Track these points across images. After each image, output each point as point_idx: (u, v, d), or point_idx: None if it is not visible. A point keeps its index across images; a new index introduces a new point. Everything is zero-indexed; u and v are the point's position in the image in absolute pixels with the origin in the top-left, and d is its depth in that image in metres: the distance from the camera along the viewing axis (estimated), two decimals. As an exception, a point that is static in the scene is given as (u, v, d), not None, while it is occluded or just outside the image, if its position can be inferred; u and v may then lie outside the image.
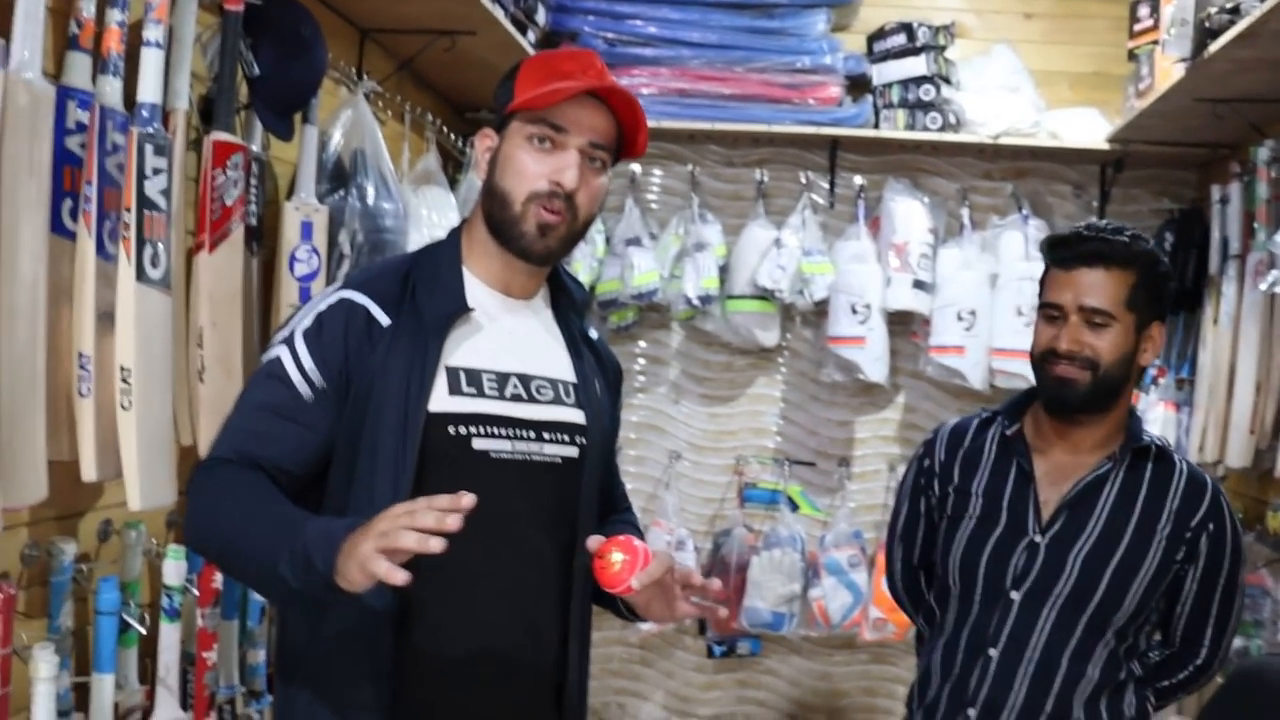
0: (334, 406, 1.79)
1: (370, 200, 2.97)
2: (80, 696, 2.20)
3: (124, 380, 2.07)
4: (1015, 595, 2.21)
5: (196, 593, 2.40)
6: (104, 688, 2.19)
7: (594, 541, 1.79)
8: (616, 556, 1.75)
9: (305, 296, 2.79)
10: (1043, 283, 2.29)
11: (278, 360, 1.80)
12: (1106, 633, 2.20)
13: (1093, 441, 2.25)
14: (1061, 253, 2.23)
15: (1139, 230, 2.29)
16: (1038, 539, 2.21)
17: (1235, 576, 2.25)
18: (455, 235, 1.95)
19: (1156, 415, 4.21)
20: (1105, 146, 4.41)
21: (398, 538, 1.52)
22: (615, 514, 2.13)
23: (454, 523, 1.54)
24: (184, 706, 2.39)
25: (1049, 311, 2.23)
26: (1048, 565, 2.20)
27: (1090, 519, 2.20)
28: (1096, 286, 2.17)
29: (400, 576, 1.52)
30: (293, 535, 1.63)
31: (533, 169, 1.82)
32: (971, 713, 2.24)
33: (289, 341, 1.81)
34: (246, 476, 1.74)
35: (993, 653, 2.22)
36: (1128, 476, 2.23)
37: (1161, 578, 2.20)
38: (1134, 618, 2.21)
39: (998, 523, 2.25)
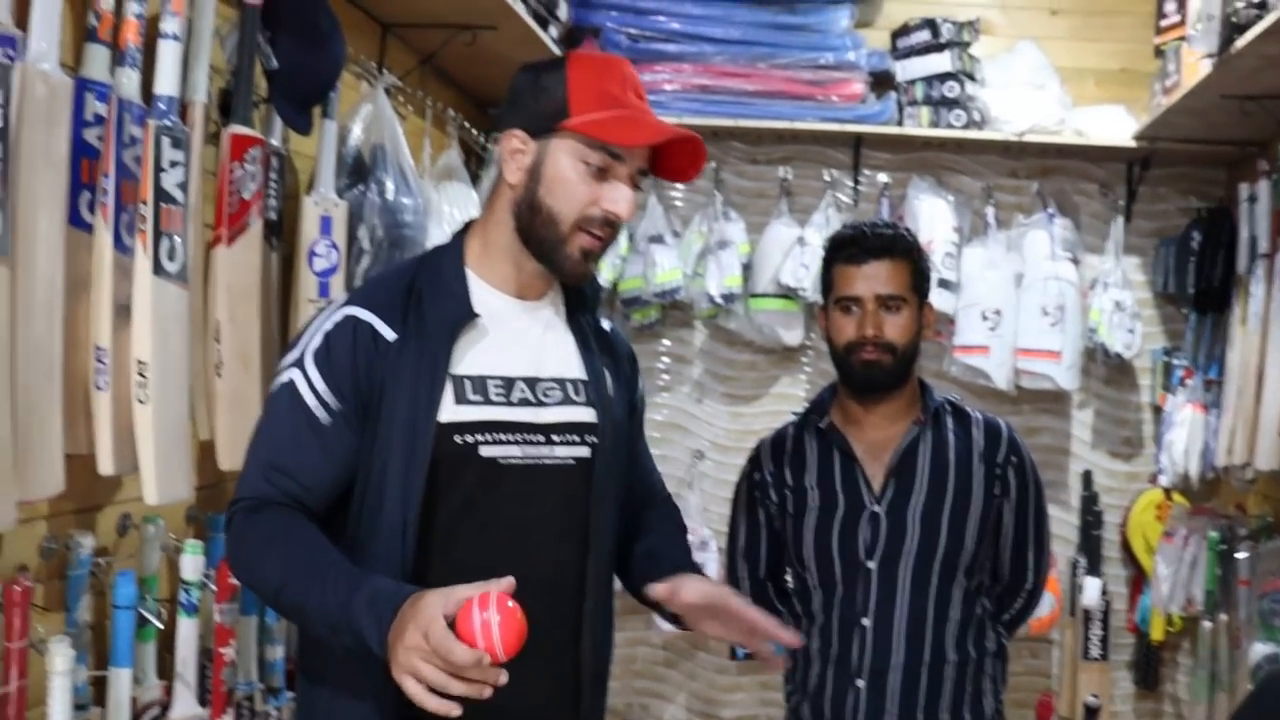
0: (353, 426, 1.78)
1: (390, 195, 2.96)
2: (98, 690, 2.19)
3: (141, 374, 2.06)
4: (871, 564, 2.39)
5: (214, 588, 2.39)
6: (121, 682, 2.19)
7: None
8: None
9: (324, 292, 2.78)
10: (830, 280, 2.46)
11: (291, 385, 1.79)
12: (957, 574, 2.41)
13: (896, 413, 2.45)
14: (851, 250, 2.42)
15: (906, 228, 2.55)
16: (876, 509, 2.41)
17: (1041, 500, 2.53)
18: (459, 238, 1.93)
19: (1184, 417, 4.18)
20: (1132, 144, 4.37)
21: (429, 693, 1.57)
22: (653, 507, 2.12)
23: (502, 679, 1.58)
24: (202, 702, 2.39)
25: (846, 305, 2.41)
26: (892, 529, 2.40)
27: (915, 479, 2.41)
28: (887, 275, 2.39)
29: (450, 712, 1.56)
30: (345, 611, 1.64)
31: (585, 194, 1.81)
32: (860, 683, 2.39)
33: (300, 364, 1.80)
34: (288, 525, 1.75)
35: (866, 622, 2.39)
36: (935, 435, 2.45)
37: (988, 514, 2.43)
38: (976, 556, 2.42)
39: (837, 505, 2.43)
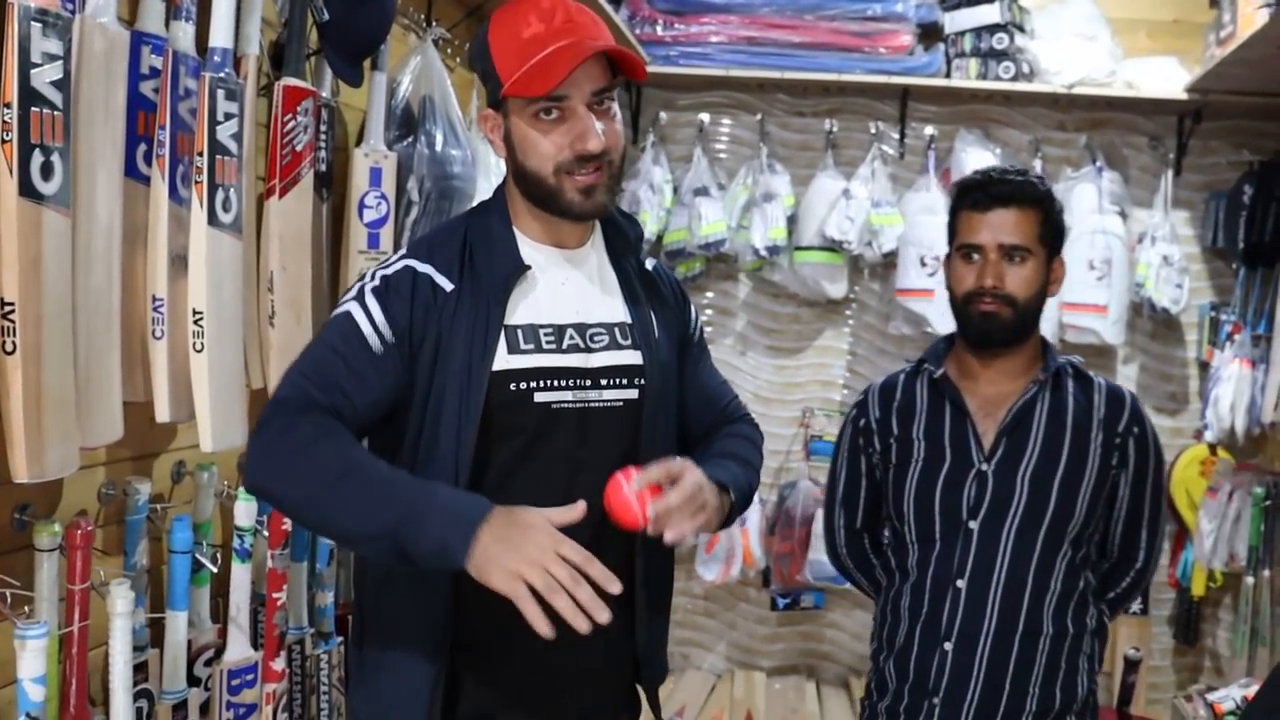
0: (401, 362, 1.82)
1: (439, 147, 2.97)
2: (155, 632, 2.25)
3: (196, 323, 2.09)
4: (973, 525, 2.30)
5: (267, 534, 2.44)
6: (178, 624, 2.25)
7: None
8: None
9: (374, 243, 2.81)
10: (954, 226, 2.37)
11: (348, 314, 1.83)
12: (1063, 544, 2.30)
13: (1014, 370, 2.35)
14: (976, 195, 2.33)
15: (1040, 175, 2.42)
16: (984, 467, 2.31)
17: (1160, 478, 2.40)
18: (500, 195, 1.97)
19: (1231, 372, 4.15)
20: (1184, 96, 4.32)
21: (551, 593, 1.60)
22: (726, 428, 2.11)
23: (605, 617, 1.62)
24: (254, 646, 2.44)
25: (967, 252, 2.32)
26: (998, 490, 2.29)
27: (1029, 440, 2.31)
28: (1012, 224, 2.29)
29: (544, 629, 1.59)
30: (410, 509, 1.65)
31: (551, 144, 1.82)
32: (948, 646, 2.31)
33: (359, 298, 1.84)
34: (332, 427, 1.74)
35: (960, 584, 2.30)
36: (1053, 397, 2.34)
37: (1102, 485, 2.32)
38: (1085, 526, 2.31)
39: (944, 460, 2.34)
